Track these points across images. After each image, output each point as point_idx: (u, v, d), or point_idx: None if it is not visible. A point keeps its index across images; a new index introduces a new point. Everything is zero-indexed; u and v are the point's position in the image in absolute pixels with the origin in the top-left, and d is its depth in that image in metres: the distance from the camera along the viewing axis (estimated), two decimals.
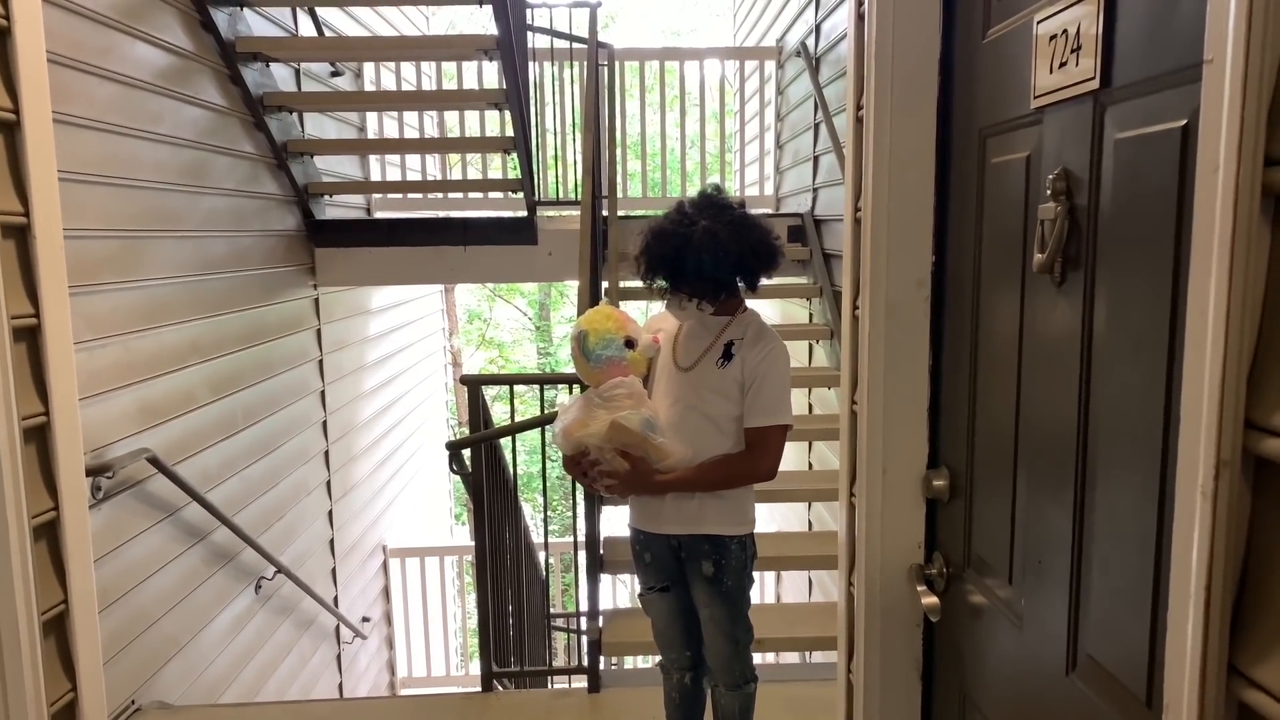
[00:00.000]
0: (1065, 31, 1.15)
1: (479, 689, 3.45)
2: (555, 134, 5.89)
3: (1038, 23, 1.22)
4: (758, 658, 2.56)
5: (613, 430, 2.25)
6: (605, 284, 4.16)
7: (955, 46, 1.55)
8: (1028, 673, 1.27)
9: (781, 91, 5.88)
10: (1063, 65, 1.17)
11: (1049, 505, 1.20)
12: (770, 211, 5.66)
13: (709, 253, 2.18)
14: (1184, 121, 0.92)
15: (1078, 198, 1.14)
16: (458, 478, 3.40)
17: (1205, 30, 0.73)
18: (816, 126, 4.82)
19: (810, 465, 4.98)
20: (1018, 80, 1.30)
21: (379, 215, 5.73)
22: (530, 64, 5.26)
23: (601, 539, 3.49)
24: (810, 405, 4.98)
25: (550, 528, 4.08)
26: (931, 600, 1.53)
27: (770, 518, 5.63)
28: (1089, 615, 1.10)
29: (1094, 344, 1.10)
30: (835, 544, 3.65)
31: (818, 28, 4.81)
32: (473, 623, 7.79)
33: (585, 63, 4.86)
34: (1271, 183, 0.67)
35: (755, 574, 2.51)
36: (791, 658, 4.62)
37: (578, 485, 3.30)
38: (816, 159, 4.90)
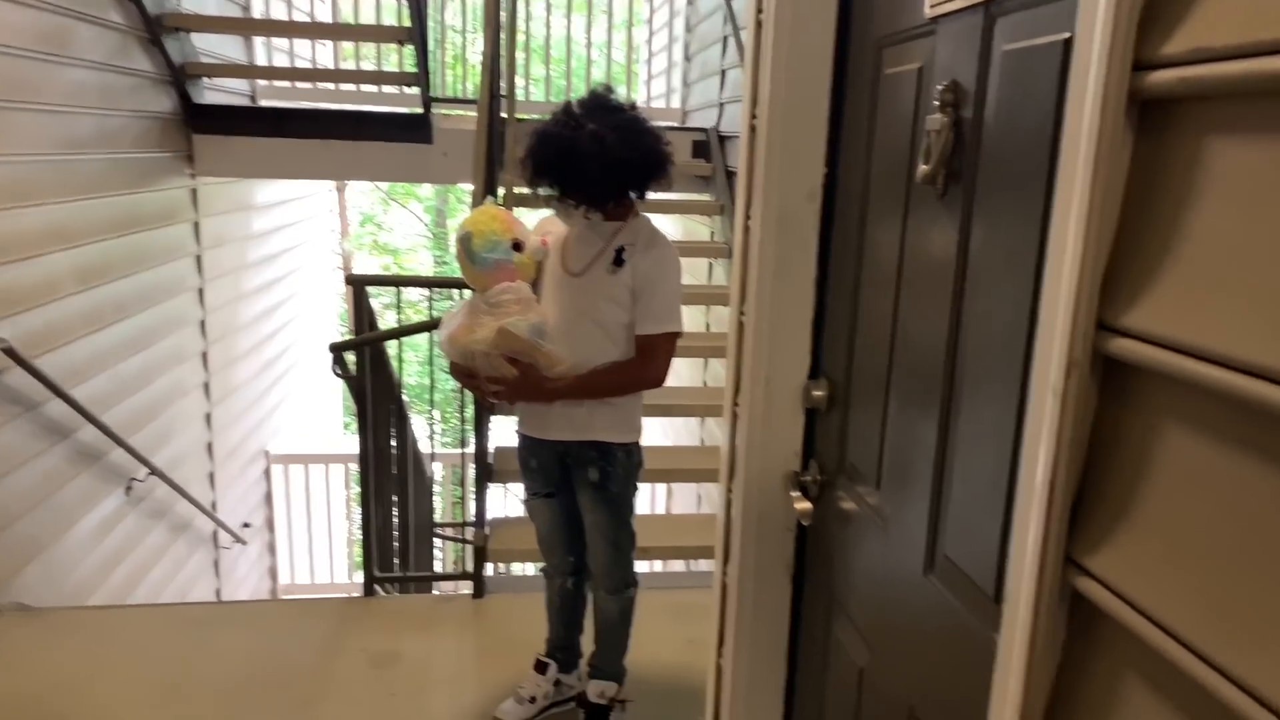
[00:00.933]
0: None
1: (361, 595, 3.44)
2: (457, 31, 5.66)
3: None
4: (643, 565, 2.61)
5: (500, 337, 2.21)
6: (501, 189, 4.06)
7: None
8: (890, 573, 1.32)
9: (692, 2, 5.76)
10: None
11: (918, 413, 1.24)
12: (676, 125, 5.59)
13: (595, 160, 2.13)
14: (1067, 34, 0.92)
15: (964, 110, 1.14)
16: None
17: None
18: (725, 40, 4.75)
19: (705, 382, 5.05)
20: None
21: (264, 104, 5.43)
22: None
23: (492, 449, 3.47)
24: (708, 324, 5.02)
25: (443, 440, 4.03)
26: (805, 506, 1.58)
27: (663, 432, 5.71)
28: (948, 519, 1.15)
29: (970, 257, 1.12)
30: None
31: None
32: (360, 532, 7.73)
33: None
34: (1138, 88, 0.67)
35: (645, 485, 2.55)
36: (676, 566, 4.75)
37: (469, 396, 3.27)
38: (724, 73, 4.84)
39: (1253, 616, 0.56)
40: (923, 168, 1.20)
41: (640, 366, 2.28)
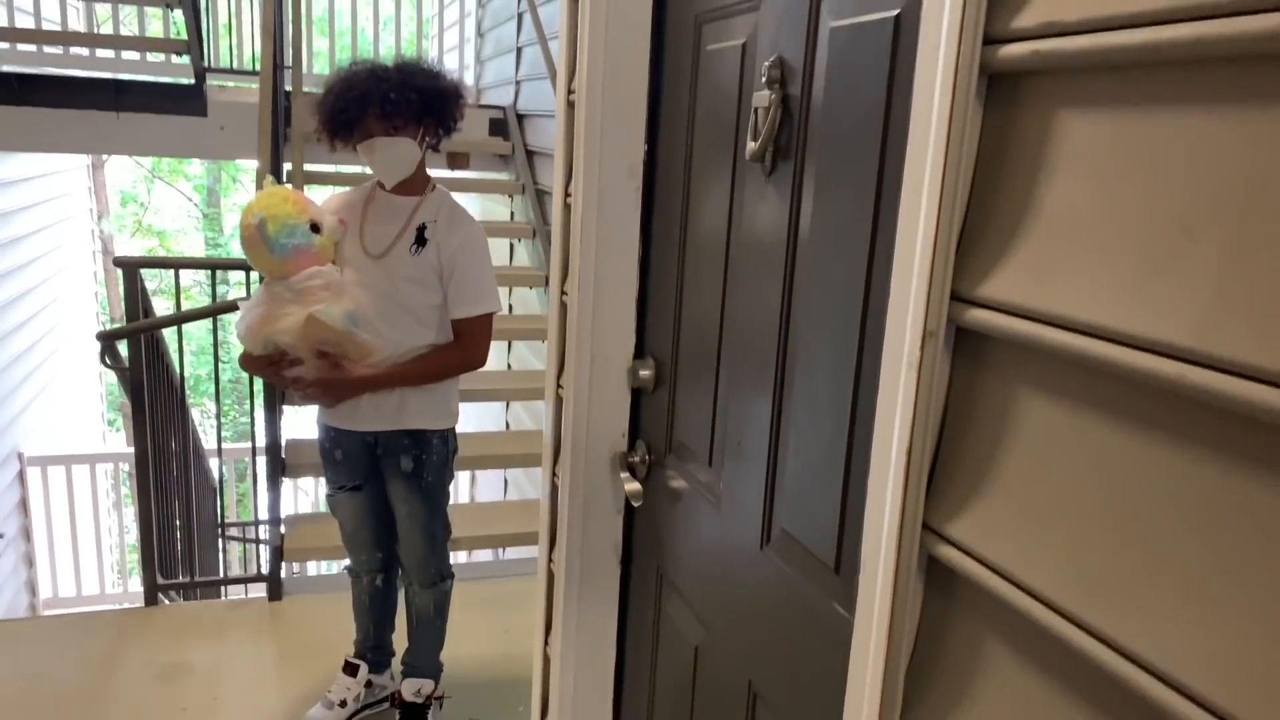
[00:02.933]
0: None
1: (142, 605, 3.14)
2: None
3: None
4: (451, 557, 2.52)
5: (308, 326, 2.03)
6: (288, 165, 3.80)
7: None
8: (724, 549, 1.33)
9: None
10: None
11: (750, 390, 1.24)
12: (471, 102, 5.44)
13: (393, 79, 2.09)
14: (897, 10, 0.94)
15: (791, 86, 1.15)
16: (112, 379, 3.01)
17: None
18: (520, 16, 4.66)
19: (509, 366, 4.97)
20: None
21: (5, 69, 4.81)
22: None
23: (284, 440, 3.26)
24: (511, 305, 4.94)
25: (225, 432, 3.76)
26: (634, 486, 1.56)
27: (466, 418, 5.56)
28: (784, 492, 1.16)
29: (800, 232, 1.13)
30: (532, 443, 3.67)
31: None
32: (131, 537, 7.07)
33: None
34: (988, 61, 0.68)
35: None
36: (481, 556, 4.65)
37: (256, 387, 3.04)
38: (520, 50, 4.75)
39: (1114, 572, 0.58)
40: (751, 145, 1.20)
41: (460, 351, 2.20)
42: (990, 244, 0.69)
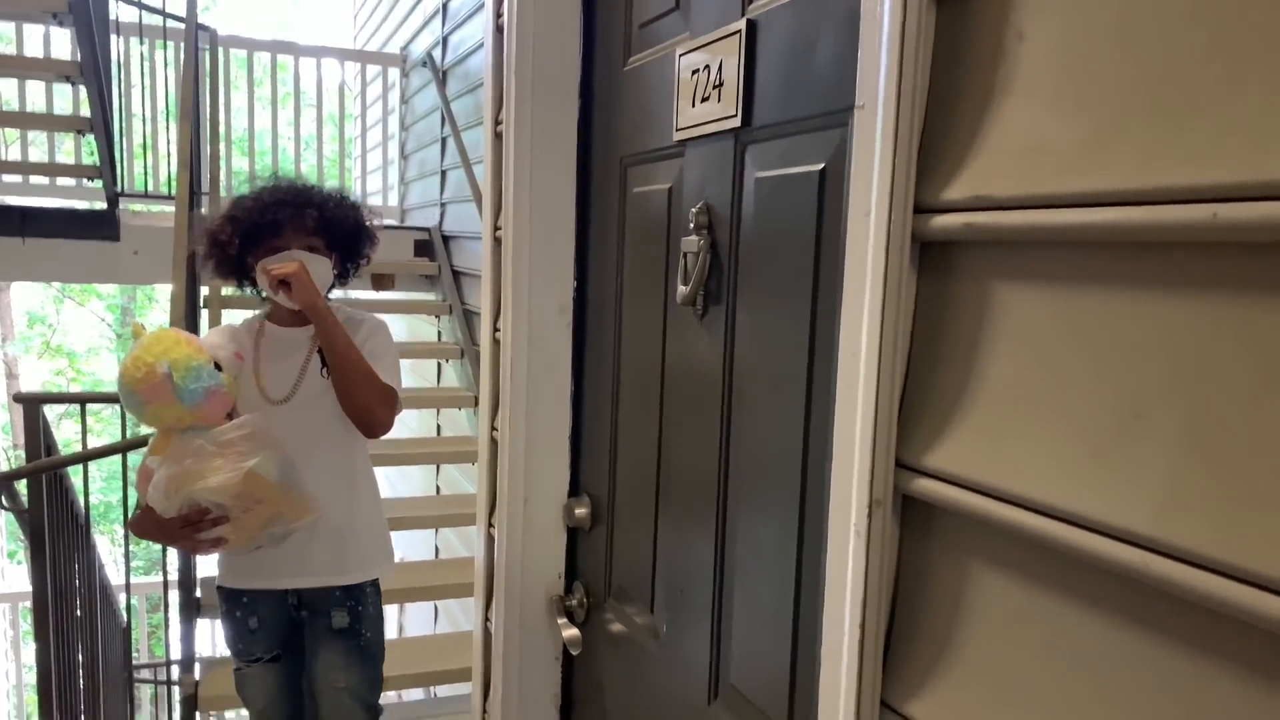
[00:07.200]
0: (708, 67, 1.17)
1: None
2: (145, 120, 5.21)
3: (680, 55, 1.23)
4: (381, 698, 2.35)
5: (248, 483, 1.76)
6: (205, 289, 3.72)
7: (595, 71, 1.54)
8: (669, 702, 1.27)
9: (406, 101, 5.70)
10: (705, 100, 1.18)
11: (691, 534, 1.21)
12: (395, 223, 5.44)
13: (333, 199, 1.99)
14: (822, 165, 0.95)
15: (719, 233, 1.15)
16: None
17: (857, 76, 0.74)
18: (444, 140, 4.71)
19: (438, 489, 4.84)
20: (660, 111, 1.31)
21: None
22: (114, 37, 4.60)
23: (199, 576, 3.08)
24: (439, 426, 4.84)
25: (134, 563, 3.55)
26: (572, 633, 1.50)
27: (394, 547, 5.37)
28: (731, 646, 1.11)
29: (734, 377, 1.12)
30: (463, 571, 3.54)
31: (445, 40, 4.72)
32: (31, 679, 6.57)
33: (182, 45, 4.33)
34: (920, 230, 0.69)
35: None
36: (417, 694, 4.44)
37: None
38: (444, 173, 4.79)
39: None
40: (682, 288, 1.20)
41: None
42: (934, 412, 0.68)
